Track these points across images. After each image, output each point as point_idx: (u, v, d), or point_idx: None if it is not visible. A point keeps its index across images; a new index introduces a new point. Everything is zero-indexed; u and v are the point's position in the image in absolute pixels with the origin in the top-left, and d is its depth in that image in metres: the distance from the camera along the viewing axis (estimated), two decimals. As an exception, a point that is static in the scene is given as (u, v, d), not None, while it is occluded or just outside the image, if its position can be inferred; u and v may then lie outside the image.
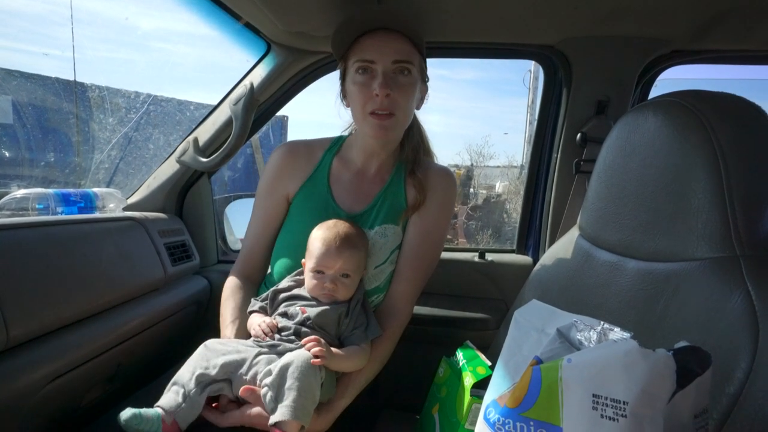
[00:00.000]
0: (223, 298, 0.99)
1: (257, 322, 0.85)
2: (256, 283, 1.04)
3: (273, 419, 0.70)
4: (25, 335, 0.81)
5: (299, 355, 0.75)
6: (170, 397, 0.74)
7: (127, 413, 0.69)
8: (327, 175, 1.02)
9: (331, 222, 0.91)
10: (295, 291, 0.90)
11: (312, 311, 0.84)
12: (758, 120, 0.65)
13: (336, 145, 1.07)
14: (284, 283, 0.92)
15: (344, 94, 0.99)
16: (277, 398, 0.71)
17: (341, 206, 0.99)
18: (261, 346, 0.81)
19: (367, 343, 0.87)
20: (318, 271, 0.86)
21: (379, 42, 0.90)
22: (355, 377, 0.86)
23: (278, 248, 1.01)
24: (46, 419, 0.90)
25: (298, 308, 0.86)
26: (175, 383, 0.76)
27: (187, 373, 0.76)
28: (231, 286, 1.01)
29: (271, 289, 0.92)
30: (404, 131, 1.01)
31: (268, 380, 0.73)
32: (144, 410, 0.71)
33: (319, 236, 0.88)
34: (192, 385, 0.75)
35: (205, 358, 0.78)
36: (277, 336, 0.83)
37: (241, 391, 0.75)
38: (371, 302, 0.97)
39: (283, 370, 0.73)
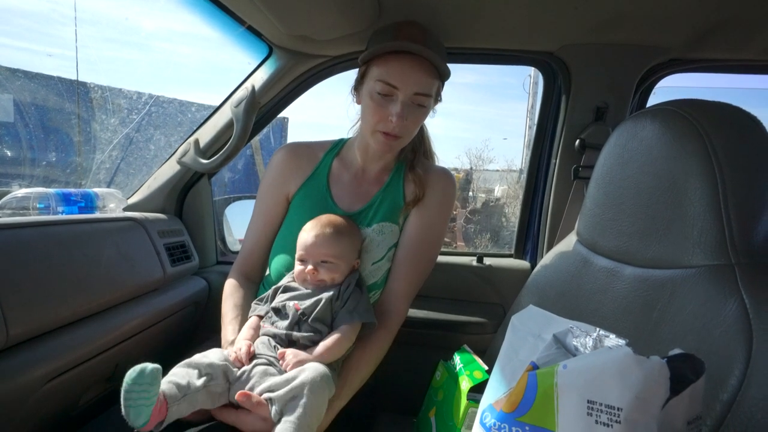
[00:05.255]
0: (223, 297, 1.00)
1: (236, 347, 0.81)
2: (255, 282, 1.06)
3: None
4: (25, 334, 0.82)
5: (313, 370, 0.74)
6: (172, 387, 0.70)
7: (156, 365, 0.65)
8: (327, 175, 1.04)
9: (318, 216, 0.94)
10: (290, 284, 0.91)
11: (306, 305, 0.84)
12: (754, 129, 0.66)
13: (337, 147, 1.09)
14: (284, 281, 0.93)
15: (357, 92, 1.00)
16: (283, 411, 0.70)
17: (339, 205, 1.01)
18: (259, 357, 0.80)
19: (351, 325, 0.84)
20: (301, 260, 0.89)
21: (408, 69, 0.90)
22: (352, 377, 0.86)
23: (276, 246, 1.03)
24: (44, 418, 0.90)
25: (291, 305, 0.85)
26: (175, 375, 0.72)
27: (192, 370, 0.73)
28: (231, 284, 1.02)
29: (272, 288, 0.92)
30: None
31: (276, 393, 0.71)
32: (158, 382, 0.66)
33: (305, 228, 0.92)
34: (195, 380, 0.72)
35: (206, 356, 0.77)
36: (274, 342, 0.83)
37: (237, 395, 0.72)
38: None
39: (295, 385, 0.71)
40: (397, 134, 0.93)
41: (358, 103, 0.99)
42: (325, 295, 0.85)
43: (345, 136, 1.12)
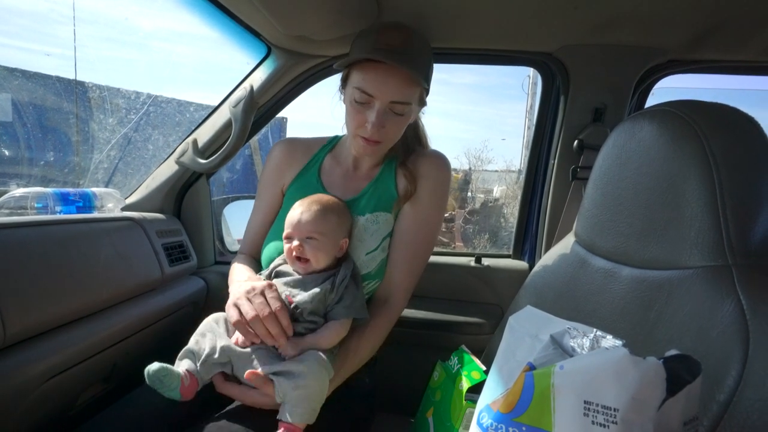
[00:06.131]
0: (231, 267, 1.02)
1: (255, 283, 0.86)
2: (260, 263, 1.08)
3: (282, 417, 0.73)
4: (23, 333, 0.82)
5: (312, 356, 0.78)
6: (191, 365, 0.80)
7: (155, 365, 0.76)
8: (318, 169, 1.06)
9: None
10: (281, 268, 0.91)
11: (299, 298, 0.84)
12: (751, 131, 0.66)
13: (331, 143, 1.10)
14: (276, 263, 0.94)
15: (343, 89, 1.00)
16: (287, 396, 0.74)
17: (331, 194, 1.01)
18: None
19: (346, 320, 0.86)
20: (287, 237, 0.90)
21: (384, 77, 0.88)
22: (351, 359, 0.88)
23: (268, 236, 1.04)
24: (42, 417, 0.90)
25: (283, 297, 0.85)
26: (189, 353, 0.82)
27: (194, 349, 0.82)
28: (238, 258, 1.06)
29: (266, 272, 0.93)
30: None
31: (279, 378, 0.76)
32: (169, 366, 0.77)
33: (293, 207, 0.92)
34: (198, 366, 0.80)
35: (213, 338, 0.82)
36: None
37: (246, 374, 0.76)
38: (363, 288, 0.97)
39: (297, 372, 0.75)
40: (377, 140, 0.93)
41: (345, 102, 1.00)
42: (320, 288, 0.85)
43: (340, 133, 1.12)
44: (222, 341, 0.81)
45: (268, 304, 0.79)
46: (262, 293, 0.80)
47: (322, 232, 0.88)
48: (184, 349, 0.82)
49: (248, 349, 0.80)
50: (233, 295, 0.83)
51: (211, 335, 0.83)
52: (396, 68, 0.87)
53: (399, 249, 1.00)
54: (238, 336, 0.82)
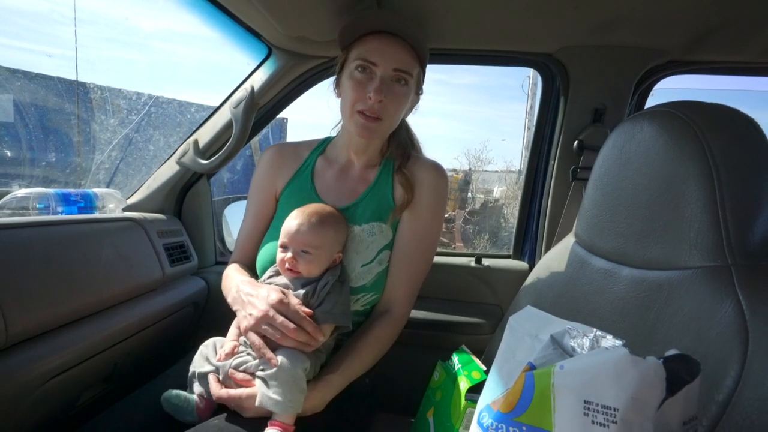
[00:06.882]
0: (225, 275, 1.01)
1: (225, 347, 0.87)
2: (253, 270, 1.07)
3: (262, 404, 0.75)
4: (24, 333, 0.82)
5: (281, 352, 0.80)
6: (198, 387, 0.86)
7: (170, 392, 0.84)
8: (311, 172, 1.05)
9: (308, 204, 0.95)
10: (272, 279, 0.91)
11: None
12: (750, 131, 0.66)
13: (322, 145, 1.09)
14: (265, 276, 0.93)
15: (338, 84, 1.00)
16: (264, 389, 0.77)
17: (325, 201, 1.00)
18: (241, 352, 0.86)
19: (325, 325, 0.84)
20: (282, 246, 0.89)
21: (385, 46, 0.91)
22: (350, 359, 0.88)
23: (263, 243, 1.03)
24: (43, 417, 0.90)
25: None
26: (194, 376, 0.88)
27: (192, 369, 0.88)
28: (231, 266, 1.04)
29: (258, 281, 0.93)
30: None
31: (258, 372, 0.79)
32: (183, 392, 0.84)
33: (291, 215, 0.91)
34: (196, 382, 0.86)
35: (204, 356, 0.88)
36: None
37: (229, 373, 0.82)
38: (356, 300, 0.96)
39: (270, 371, 0.78)
40: (377, 114, 0.91)
41: (339, 96, 0.99)
42: (301, 291, 0.85)
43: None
44: (210, 358, 0.87)
45: (290, 319, 0.80)
46: (280, 313, 0.81)
47: (317, 246, 0.87)
48: (190, 372, 0.88)
49: (230, 360, 0.83)
50: (246, 317, 0.83)
51: (202, 353, 0.89)
52: (398, 39, 0.91)
53: (400, 263, 0.98)
54: (221, 352, 0.84)
